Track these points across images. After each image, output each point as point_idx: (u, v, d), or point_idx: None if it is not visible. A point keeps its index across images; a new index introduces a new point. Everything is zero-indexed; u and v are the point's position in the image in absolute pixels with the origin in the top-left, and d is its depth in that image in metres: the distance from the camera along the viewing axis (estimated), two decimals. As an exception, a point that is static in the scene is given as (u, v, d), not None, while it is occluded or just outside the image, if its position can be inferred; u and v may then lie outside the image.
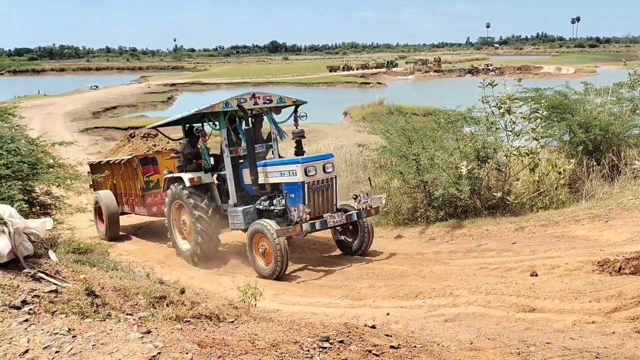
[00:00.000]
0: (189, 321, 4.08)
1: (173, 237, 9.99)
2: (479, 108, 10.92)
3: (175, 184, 9.62)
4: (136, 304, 4.41)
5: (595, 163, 10.93)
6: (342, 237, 9.07)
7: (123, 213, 12.30)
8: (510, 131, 10.60)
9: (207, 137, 9.49)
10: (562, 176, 10.31)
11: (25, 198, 10.28)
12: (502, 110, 10.51)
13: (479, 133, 10.66)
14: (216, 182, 9.62)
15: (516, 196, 9.96)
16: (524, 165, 10.39)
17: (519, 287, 6.05)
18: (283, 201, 8.49)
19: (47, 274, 4.28)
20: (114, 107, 52.05)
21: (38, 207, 10.55)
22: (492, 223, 9.36)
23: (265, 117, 9.84)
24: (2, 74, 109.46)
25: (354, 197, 8.82)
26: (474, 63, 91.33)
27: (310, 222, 8.03)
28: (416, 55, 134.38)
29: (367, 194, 8.69)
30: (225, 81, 74.80)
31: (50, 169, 10.88)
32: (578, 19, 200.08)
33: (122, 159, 11.90)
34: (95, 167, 12.68)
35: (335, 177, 8.45)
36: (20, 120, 11.75)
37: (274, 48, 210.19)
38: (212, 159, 9.61)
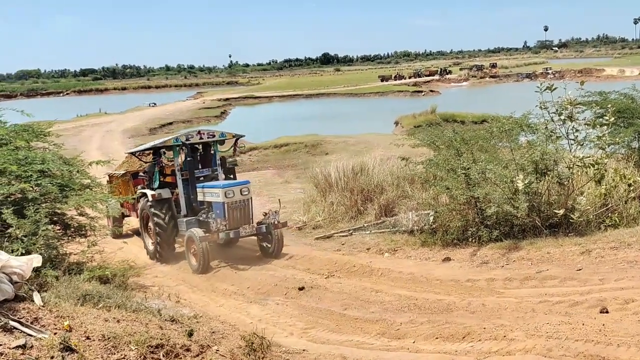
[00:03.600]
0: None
1: (143, 238, 12.12)
2: (537, 114, 9.91)
3: (143, 197, 11.83)
4: (123, 358, 3.78)
5: (671, 173, 9.65)
6: (264, 243, 11.07)
7: (125, 216, 14.21)
8: (573, 140, 9.52)
9: (161, 163, 12.07)
10: (632, 188, 9.14)
11: (55, 220, 10.08)
12: (563, 117, 9.45)
13: (537, 142, 9.60)
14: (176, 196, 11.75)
15: (581, 213, 8.82)
16: (589, 178, 9.27)
17: (586, 330, 5.05)
18: (214, 215, 10.76)
19: (22, 323, 3.72)
20: (170, 123, 53.05)
21: (73, 230, 10.31)
22: (554, 245, 8.29)
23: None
24: (68, 93, 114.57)
25: (264, 214, 11.14)
26: (532, 67, 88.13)
27: (225, 232, 10.24)
28: (471, 61, 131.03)
29: (275, 212, 10.89)
30: (277, 94, 75.11)
31: (87, 190, 10.64)
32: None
33: (120, 173, 14.35)
34: (110, 178, 14.81)
35: (251, 198, 10.87)
36: (57, 139, 11.61)
37: (326, 60, 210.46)
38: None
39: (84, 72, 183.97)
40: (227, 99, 70.94)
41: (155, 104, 68.96)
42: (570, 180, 9.22)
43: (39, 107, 78.44)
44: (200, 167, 11.91)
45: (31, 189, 9.20)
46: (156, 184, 11.77)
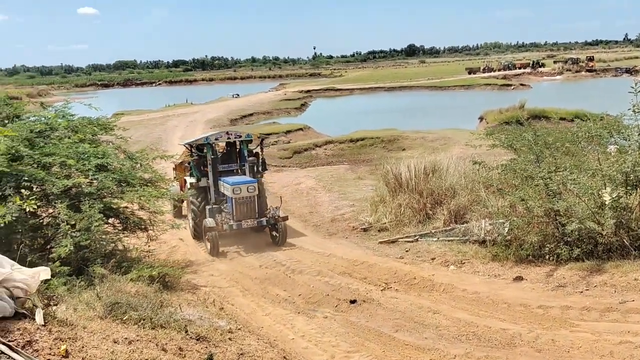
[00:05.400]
0: None
1: (188, 219, 13.80)
2: (631, 116, 8.69)
3: (187, 184, 13.98)
4: (117, 393, 3.38)
5: None
6: (273, 233, 12.58)
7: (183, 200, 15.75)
8: (674, 148, 8.25)
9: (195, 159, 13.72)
10: None
11: (114, 214, 10.07)
12: (662, 122, 8.21)
13: (628, 150, 8.41)
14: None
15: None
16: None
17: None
18: (227, 207, 12.56)
19: (11, 347, 3.41)
20: (251, 115, 53.70)
21: (132, 224, 10.28)
22: (644, 270, 7.17)
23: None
24: (160, 84, 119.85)
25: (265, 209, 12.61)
26: (632, 62, 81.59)
27: (229, 224, 11.89)
28: (566, 54, 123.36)
29: (276, 208, 12.52)
30: (358, 86, 74.25)
31: (148, 185, 10.59)
32: None
33: (178, 162, 16.22)
34: (176, 167, 16.70)
35: (256, 195, 12.36)
36: (124, 132, 11.69)
37: (411, 51, 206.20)
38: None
39: (176, 64, 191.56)
40: (308, 91, 70.96)
41: (238, 95, 70.12)
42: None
43: (132, 96, 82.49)
44: (238, 161, 13.76)
45: (88, 183, 9.22)
46: (196, 175, 13.51)
